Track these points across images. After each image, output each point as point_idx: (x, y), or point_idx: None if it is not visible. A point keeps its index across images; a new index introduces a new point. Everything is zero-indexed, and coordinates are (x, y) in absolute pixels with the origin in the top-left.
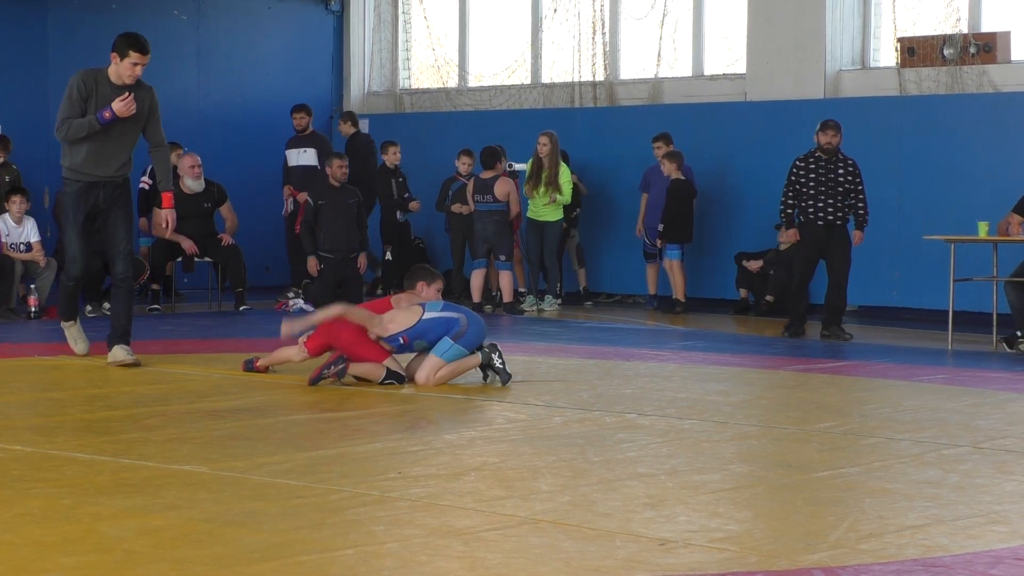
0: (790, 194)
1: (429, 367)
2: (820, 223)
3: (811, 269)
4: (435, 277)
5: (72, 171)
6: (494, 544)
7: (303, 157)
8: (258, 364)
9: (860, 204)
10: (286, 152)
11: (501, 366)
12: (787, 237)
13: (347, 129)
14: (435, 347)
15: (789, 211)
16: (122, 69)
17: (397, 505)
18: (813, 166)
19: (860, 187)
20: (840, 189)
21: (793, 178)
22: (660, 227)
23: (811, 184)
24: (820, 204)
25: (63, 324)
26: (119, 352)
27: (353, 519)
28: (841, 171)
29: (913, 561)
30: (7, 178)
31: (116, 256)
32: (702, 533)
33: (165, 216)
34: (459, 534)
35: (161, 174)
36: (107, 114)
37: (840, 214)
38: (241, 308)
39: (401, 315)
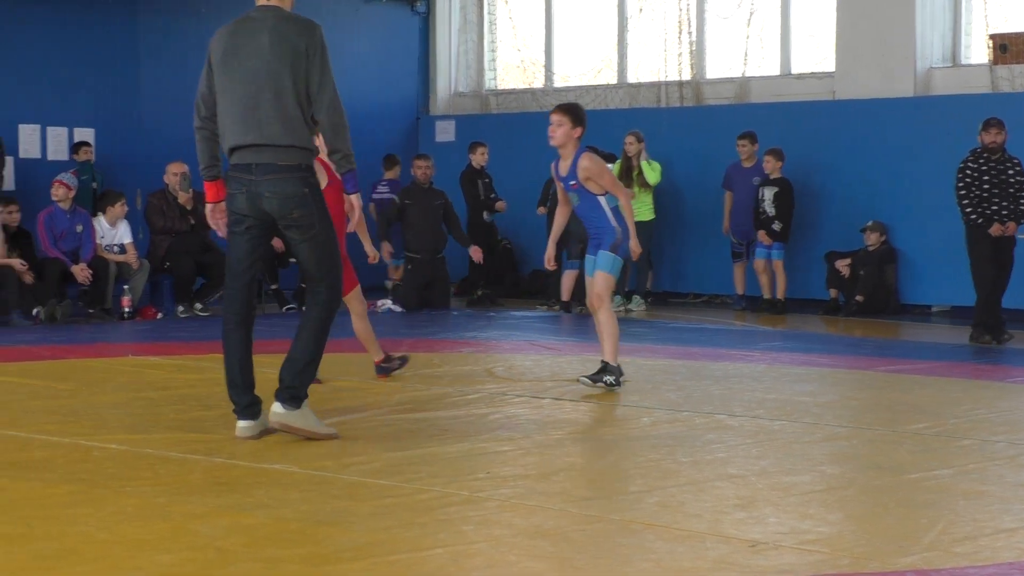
0: (971, 195)
1: (603, 285)
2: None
3: (995, 271)
4: None
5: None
6: (583, 544)
7: None
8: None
9: (1023, 202)
10: None
11: (614, 383)
12: (1002, 231)
13: None
14: (600, 262)
15: (980, 209)
16: None
17: (486, 505)
18: (985, 167)
19: None
20: (1011, 189)
21: (969, 180)
22: (777, 226)
23: (985, 185)
24: (995, 207)
25: None
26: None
27: (443, 519)
28: (1011, 171)
29: (1009, 565)
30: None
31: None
32: (793, 535)
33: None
34: (548, 534)
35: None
36: None
37: (1008, 214)
38: (284, 308)
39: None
